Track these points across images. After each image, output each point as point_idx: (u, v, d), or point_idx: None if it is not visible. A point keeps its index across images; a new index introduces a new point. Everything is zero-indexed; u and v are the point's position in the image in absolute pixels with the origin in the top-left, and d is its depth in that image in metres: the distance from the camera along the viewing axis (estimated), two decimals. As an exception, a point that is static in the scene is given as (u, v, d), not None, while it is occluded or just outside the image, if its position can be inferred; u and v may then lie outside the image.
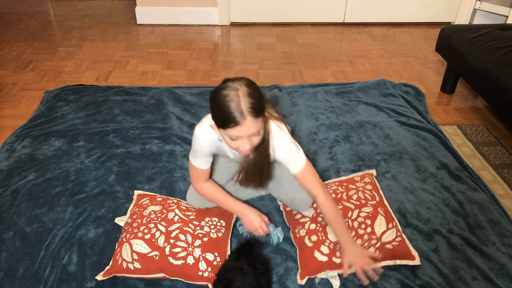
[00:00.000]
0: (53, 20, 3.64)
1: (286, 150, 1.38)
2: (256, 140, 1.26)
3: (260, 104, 1.20)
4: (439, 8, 3.58)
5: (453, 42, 2.42)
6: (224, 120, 1.18)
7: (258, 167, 1.39)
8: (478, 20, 3.47)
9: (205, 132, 1.38)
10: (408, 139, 2.13)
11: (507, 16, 3.05)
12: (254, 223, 1.47)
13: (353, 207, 1.56)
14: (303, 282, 1.41)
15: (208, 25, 3.56)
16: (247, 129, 1.19)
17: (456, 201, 1.75)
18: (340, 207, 1.56)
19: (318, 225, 1.51)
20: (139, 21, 3.54)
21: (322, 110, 2.37)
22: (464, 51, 2.31)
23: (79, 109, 2.34)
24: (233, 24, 3.58)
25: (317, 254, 1.43)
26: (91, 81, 2.70)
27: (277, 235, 1.52)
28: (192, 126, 2.20)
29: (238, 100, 1.17)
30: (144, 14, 3.51)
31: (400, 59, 3.08)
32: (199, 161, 1.45)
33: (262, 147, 1.33)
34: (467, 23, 3.50)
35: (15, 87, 2.61)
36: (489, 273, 1.45)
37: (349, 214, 1.53)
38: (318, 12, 3.57)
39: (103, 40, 3.26)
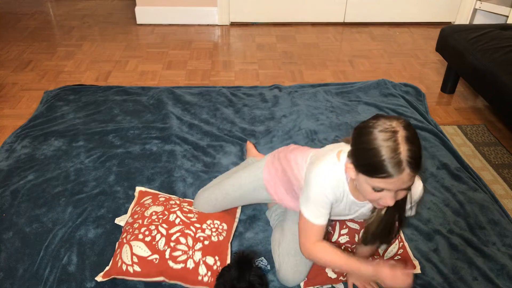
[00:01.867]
0: (53, 20, 3.63)
1: (420, 193, 1.19)
2: (402, 194, 1.03)
3: (421, 154, 0.96)
4: (439, 8, 3.58)
5: (453, 42, 2.42)
6: (374, 168, 0.95)
7: (390, 223, 1.15)
8: (478, 20, 3.47)
9: (330, 174, 1.11)
10: (408, 139, 2.13)
11: (507, 16, 3.05)
12: (398, 279, 1.11)
13: (358, 227, 1.49)
14: None
15: (208, 25, 3.56)
16: (401, 183, 0.96)
17: (457, 201, 1.75)
18: (346, 231, 1.48)
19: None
20: (139, 21, 3.54)
21: (322, 110, 2.37)
22: (464, 51, 2.31)
23: (78, 109, 2.34)
24: (233, 24, 3.58)
25: (328, 271, 1.41)
26: (91, 81, 2.70)
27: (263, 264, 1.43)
28: (192, 126, 2.20)
29: (397, 146, 0.93)
30: (144, 14, 3.51)
31: (400, 59, 3.08)
32: (317, 213, 1.14)
33: (401, 201, 1.10)
34: (467, 23, 3.50)
35: (15, 87, 2.61)
36: (490, 273, 1.45)
37: (356, 239, 1.48)
38: (318, 12, 3.57)
39: (103, 40, 3.26)
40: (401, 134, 0.94)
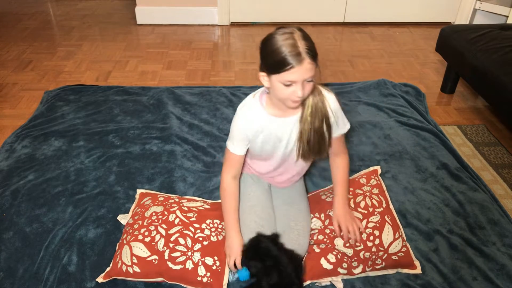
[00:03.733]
0: (53, 20, 3.64)
1: (337, 106, 1.37)
2: (309, 87, 1.22)
3: (315, 48, 1.17)
4: (439, 8, 3.58)
5: (453, 42, 2.42)
6: (280, 63, 1.14)
7: (318, 132, 1.33)
8: (478, 20, 3.47)
9: (248, 110, 1.34)
10: (408, 139, 2.13)
11: (507, 16, 3.05)
12: (233, 249, 1.37)
13: (361, 217, 1.51)
14: (304, 284, 1.41)
15: (208, 25, 3.56)
16: (304, 72, 1.15)
17: (456, 201, 1.75)
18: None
19: (326, 236, 1.47)
20: (139, 21, 3.54)
21: (322, 110, 2.36)
22: (464, 51, 2.31)
23: (79, 109, 2.34)
24: (233, 24, 3.58)
25: (323, 261, 1.41)
26: (91, 81, 2.70)
27: (245, 273, 1.38)
28: (192, 126, 2.21)
29: (295, 42, 1.13)
30: (144, 14, 3.51)
31: (400, 59, 3.08)
32: (235, 144, 1.38)
33: (320, 108, 1.30)
34: (467, 23, 3.50)
35: (15, 87, 2.61)
36: (489, 273, 1.45)
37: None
38: (318, 12, 3.57)
39: (103, 40, 3.26)
40: (297, 33, 1.15)
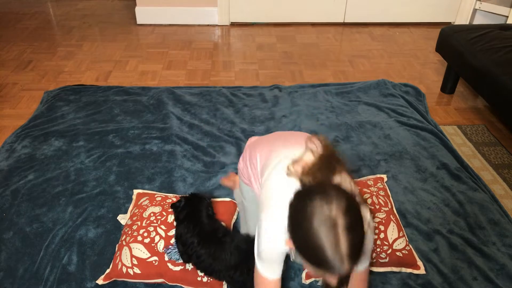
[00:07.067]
0: (53, 20, 3.63)
1: (371, 243, 1.12)
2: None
3: (363, 240, 0.89)
4: (439, 8, 3.58)
5: (453, 42, 2.42)
6: (319, 264, 0.88)
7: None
8: (478, 20, 3.47)
9: (282, 227, 0.98)
10: (408, 139, 2.13)
11: (507, 16, 3.05)
12: None
13: None
14: (307, 282, 1.41)
15: (208, 25, 3.56)
16: (343, 273, 0.89)
17: (456, 201, 1.75)
18: None
19: None
20: (139, 21, 3.54)
21: (322, 110, 2.37)
22: (464, 51, 2.31)
23: (79, 109, 2.34)
24: (233, 24, 3.58)
25: None
26: (91, 81, 2.70)
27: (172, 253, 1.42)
28: (192, 126, 2.20)
29: (337, 241, 0.84)
30: (144, 14, 3.51)
31: (400, 59, 3.08)
32: (270, 269, 1.07)
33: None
34: (467, 23, 3.50)
35: (15, 87, 2.61)
36: (489, 273, 1.45)
37: None
38: (318, 12, 3.57)
39: (103, 40, 3.26)
40: (341, 222, 0.85)
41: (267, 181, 1.14)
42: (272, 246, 1.04)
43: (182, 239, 1.34)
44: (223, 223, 1.48)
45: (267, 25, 3.59)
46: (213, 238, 1.33)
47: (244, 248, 1.29)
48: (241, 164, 1.38)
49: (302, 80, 2.76)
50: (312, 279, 1.41)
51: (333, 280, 0.93)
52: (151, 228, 1.46)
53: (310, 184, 0.97)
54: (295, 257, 1.01)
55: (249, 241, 1.24)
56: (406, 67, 2.97)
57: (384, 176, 1.83)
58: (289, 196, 0.97)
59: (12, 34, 3.33)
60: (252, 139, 1.42)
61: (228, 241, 1.33)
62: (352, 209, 0.88)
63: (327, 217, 0.85)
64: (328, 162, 1.01)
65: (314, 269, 0.92)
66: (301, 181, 1.00)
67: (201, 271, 1.36)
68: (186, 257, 1.35)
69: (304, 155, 1.05)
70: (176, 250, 1.39)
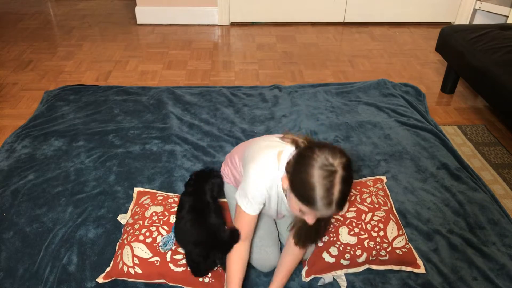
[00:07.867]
0: (53, 20, 3.64)
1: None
2: (324, 217, 1.14)
3: (349, 193, 1.04)
4: (439, 8, 3.58)
5: (453, 42, 2.42)
6: (307, 199, 1.02)
7: (315, 228, 1.22)
8: (478, 20, 3.47)
9: (267, 175, 1.21)
10: (408, 139, 2.13)
11: (507, 16, 3.05)
12: None
13: (366, 209, 1.54)
14: (307, 279, 1.41)
15: (208, 25, 3.56)
16: (325, 214, 1.06)
17: (456, 201, 1.75)
18: (354, 209, 1.54)
19: (331, 226, 1.49)
20: (139, 21, 3.54)
21: (322, 110, 2.37)
22: (464, 51, 2.31)
23: (79, 109, 2.34)
24: (233, 24, 3.58)
25: (325, 255, 1.42)
26: (91, 81, 2.70)
27: (170, 241, 1.43)
28: (192, 126, 2.20)
29: (332, 188, 0.99)
30: (144, 14, 3.51)
31: (400, 59, 3.08)
32: (250, 206, 1.23)
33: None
34: (467, 23, 3.50)
35: (15, 87, 2.61)
36: (489, 273, 1.45)
37: (363, 217, 1.52)
38: (318, 12, 3.57)
39: (103, 40, 3.26)
40: (339, 174, 1.00)
41: (250, 151, 1.30)
42: (257, 187, 1.21)
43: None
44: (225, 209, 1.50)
45: (267, 25, 3.59)
46: (202, 212, 1.36)
47: (217, 234, 1.32)
48: (225, 170, 1.54)
49: (302, 80, 2.76)
50: (312, 276, 1.41)
51: (311, 219, 1.10)
52: (153, 228, 1.46)
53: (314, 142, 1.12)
54: (286, 200, 1.19)
55: (227, 234, 1.30)
56: (406, 67, 2.97)
57: (384, 177, 1.84)
58: (274, 154, 1.20)
59: (12, 34, 3.33)
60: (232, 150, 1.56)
61: (212, 219, 1.35)
62: (349, 168, 1.03)
63: (330, 165, 1.00)
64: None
65: (299, 205, 1.06)
66: (296, 142, 1.16)
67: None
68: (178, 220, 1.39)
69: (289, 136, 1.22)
70: (172, 239, 1.42)
